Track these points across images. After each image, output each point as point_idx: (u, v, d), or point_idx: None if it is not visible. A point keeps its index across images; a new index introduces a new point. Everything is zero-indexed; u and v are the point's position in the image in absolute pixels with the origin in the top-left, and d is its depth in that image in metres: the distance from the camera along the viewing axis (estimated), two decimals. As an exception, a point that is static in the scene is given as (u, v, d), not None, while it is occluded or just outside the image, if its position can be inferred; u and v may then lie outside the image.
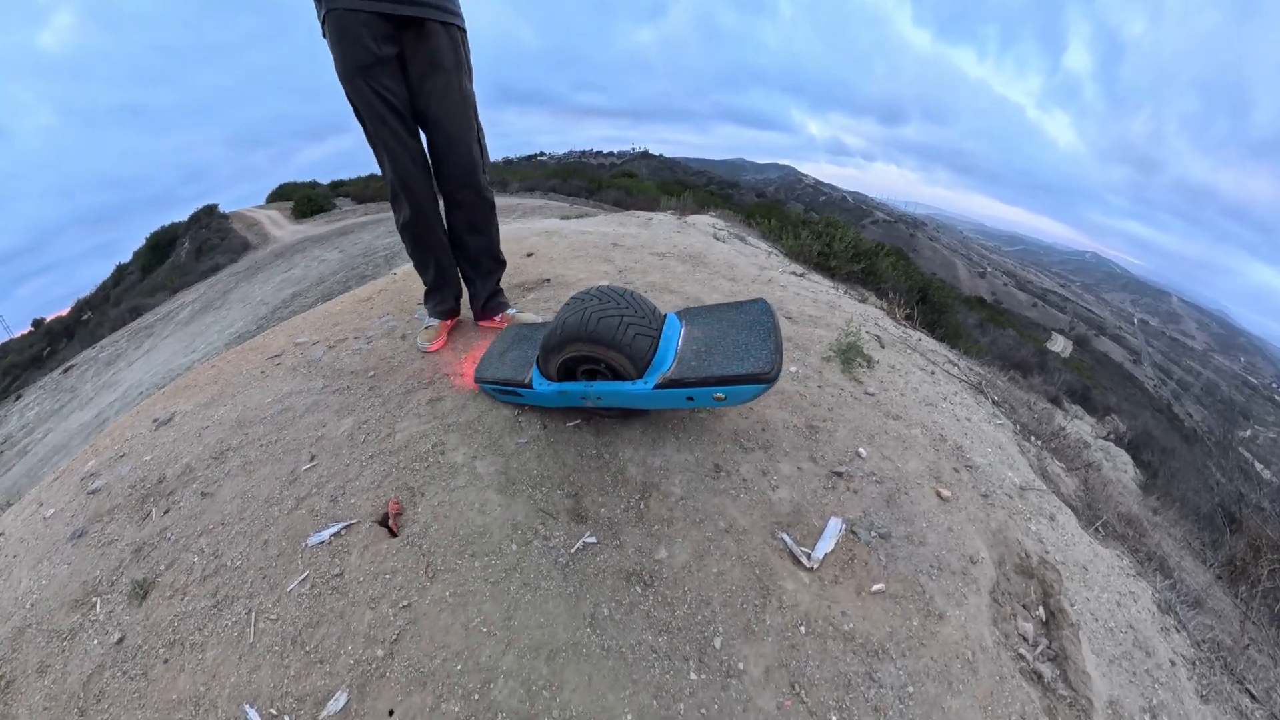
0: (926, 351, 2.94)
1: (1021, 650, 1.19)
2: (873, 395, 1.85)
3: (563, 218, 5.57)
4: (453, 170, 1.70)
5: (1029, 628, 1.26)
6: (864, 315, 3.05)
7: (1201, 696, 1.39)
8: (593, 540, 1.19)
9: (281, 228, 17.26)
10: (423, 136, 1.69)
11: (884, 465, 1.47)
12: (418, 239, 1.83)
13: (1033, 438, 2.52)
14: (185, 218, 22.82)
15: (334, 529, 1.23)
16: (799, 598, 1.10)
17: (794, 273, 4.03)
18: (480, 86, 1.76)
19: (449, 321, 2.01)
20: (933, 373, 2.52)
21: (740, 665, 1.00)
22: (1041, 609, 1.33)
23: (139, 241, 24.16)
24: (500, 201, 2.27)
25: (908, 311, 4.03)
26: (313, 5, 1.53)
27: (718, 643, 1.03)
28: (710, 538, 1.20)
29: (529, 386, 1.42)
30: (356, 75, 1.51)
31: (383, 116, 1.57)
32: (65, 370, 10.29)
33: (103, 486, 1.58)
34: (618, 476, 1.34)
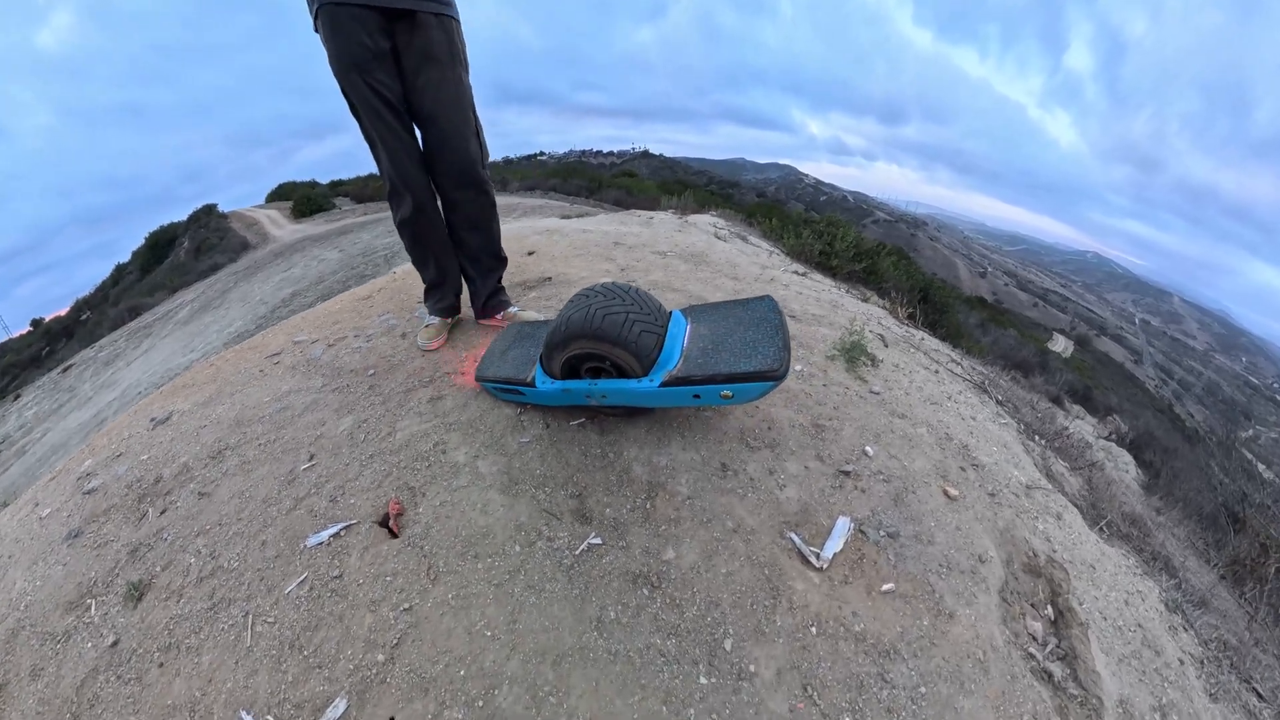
0: (930, 350, 2.93)
1: (1031, 649, 1.18)
2: (878, 394, 1.84)
3: (563, 217, 5.55)
4: (450, 165, 1.67)
5: (1038, 627, 1.25)
6: (867, 314, 3.03)
7: (1210, 695, 1.39)
8: (598, 541, 1.17)
9: (281, 227, 17.25)
10: (419, 133, 1.67)
11: (891, 464, 1.46)
12: (416, 236, 1.81)
13: (1036, 437, 2.50)
14: (184, 217, 22.80)
15: (333, 530, 1.21)
16: (809, 598, 1.08)
17: (796, 272, 4.01)
18: (480, 86, 1.73)
19: (449, 320, 1.99)
20: (936, 372, 2.50)
21: (751, 668, 0.98)
22: (1050, 608, 1.32)
23: (138, 241, 24.16)
24: (500, 201, 2.25)
25: (910, 311, 4.02)
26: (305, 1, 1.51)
27: (728, 645, 1.01)
28: (718, 538, 1.18)
29: (532, 385, 1.40)
30: (351, 70, 1.48)
31: (378, 111, 1.54)
32: (64, 370, 10.27)
33: (99, 486, 1.56)
34: (623, 476, 1.31)
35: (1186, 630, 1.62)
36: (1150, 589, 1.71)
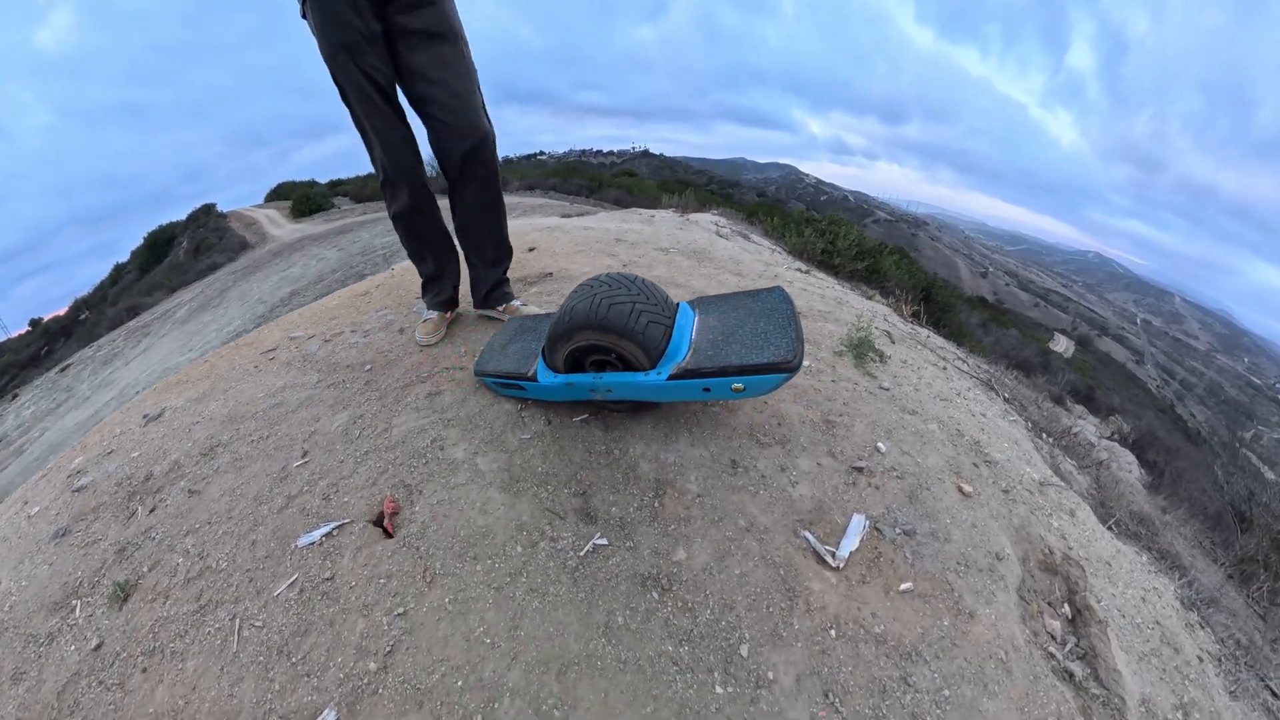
0: (936, 348, 2.89)
1: (1051, 649, 1.14)
2: (887, 390, 1.80)
3: (563, 216, 5.51)
4: (461, 143, 1.57)
5: (1056, 625, 1.22)
6: (872, 311, 2.99)
7: (1230, 694, 1.36)
8: (604, 542, 1.12)
9: (280, 227, 17.20)
10: (416, 119, 1.60)
11: (904, 460, 1.41)
12: (411, 229, 1.76)
13: (1044, 435, 2.47)
14: (183, 217, 22.75)
15: (325, 529, 1.16)
16: (827, 599, 1.04)
17: (799, 269, 3.98)
18: (480, 85, 1.66)
19: (448, 314, 1.94)
20: (944, 368, 2.47)
21: (770, 674, 0.93)
22: (1067, 606, 1.29)
23: (137, 241, 24.10)
24: (500, 200, 2.19)
25: (915, 309, 3.98)
26: None
27: (744, 650, 0.96)
28: (731, 537, 1.13)
29: (533, 379, 1.35)
30: (340, 53, 1.41)
31: (370, 98, 1.47)
32: (62, 369, 10.23)
33: (88, 484, 1.52)
34: (629, 474, 1.27)
35: (1203, 628, 1.60)
36: (1166, 586, 1.69)
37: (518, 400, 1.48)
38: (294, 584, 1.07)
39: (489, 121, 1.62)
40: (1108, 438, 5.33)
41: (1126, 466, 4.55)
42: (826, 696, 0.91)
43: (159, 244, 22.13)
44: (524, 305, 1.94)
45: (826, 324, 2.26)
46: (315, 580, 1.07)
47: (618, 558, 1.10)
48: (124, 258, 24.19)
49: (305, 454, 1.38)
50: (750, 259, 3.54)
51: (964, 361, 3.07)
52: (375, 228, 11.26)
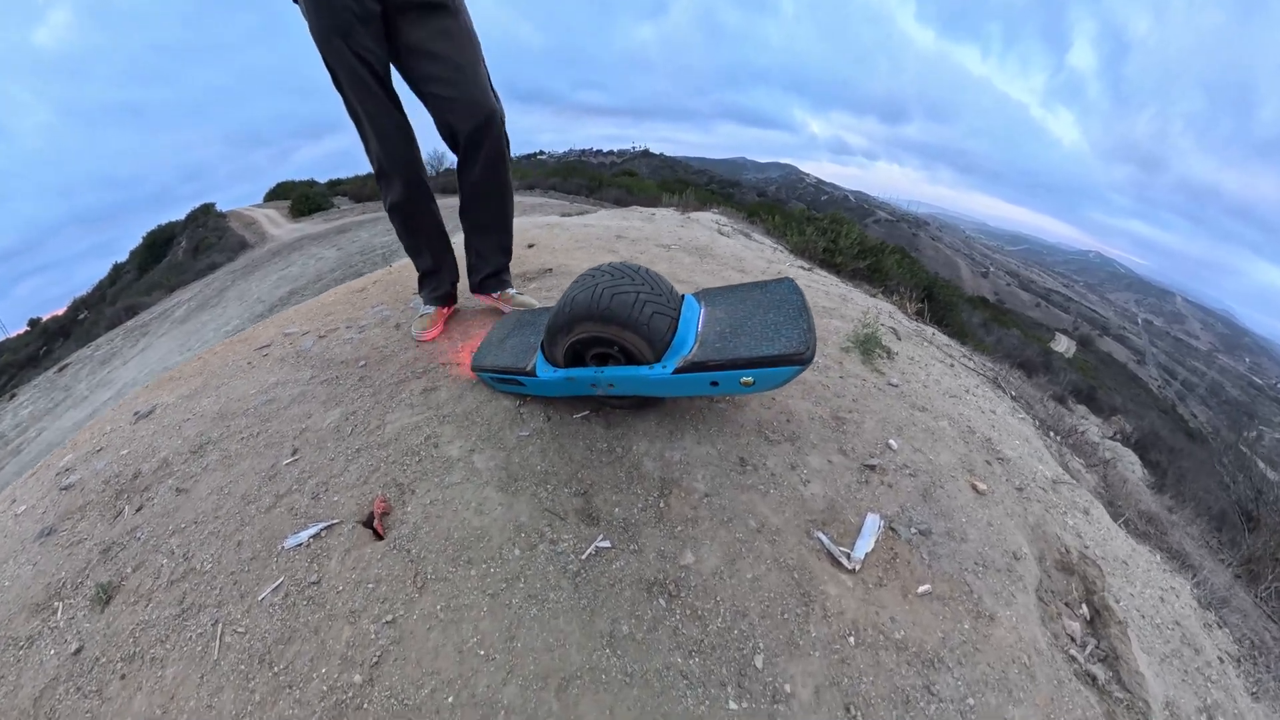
0: (942, 345, 2.85)
1: (1072, 651, 1.10)
2: (896, 386, 1.76)
3: (563, 214, 5.46)
4: (466, 116, 1.48)
5: (1076, 627, 1.18)
6: (877, 308, 2.95)
7: (1252, 695, 1.32)
8: (607, 544, 1.07)
9: (279, 226, 17.15)
10: (420, 101, 1.54)
11: (916, 458, 1.37)
12: (407, 221, 1.71)
13: (1052, 433, 2.43)
14: (182, 217, 22.72)
15: (313, 530, 1.11)
16: (844, 604, 0.99)
17: (801, 267, 3.94)
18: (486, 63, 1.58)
19: (446, 309, 1.89)
20: (951, 365, 2.43)
21: (787, 687, 0.87)
22: (1085, 606, 1.25)
23: (136, 241, 24.04)
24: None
25: (919, 307, 3.94)
26: None
27: (759, 661, 0.90)
28: (741, 539, 1.07)
29: (532, 374, 1.30)
30: (333, 34, 1.35)
31: (365, 82, 1.42)
32: (60, 369, 10.19)
33: (76, 482, 1.48)
34: (632, 472, 1.21)
35: (1220, 627, 1.57)
36: (1182, 585, 1.65)
37: (516, 396, 1.44)
38: (279, 588, 1.02)
39: (497, 98, 1.54)
40: (1110, 438, 5.29)
41: (1130, 466, 4.50)
42: (848, 710, 0.86)
43: (158, 244, 22.09)
44: (519, 294, 1.88)
45: (832, 320, 2.22)
46: (301, 584, 1.02)
47: (621, 561, 1.04)
48: (123, 257, 24.16)
49: (295, 451, 1.33)
50: (753, 256, 3.50)
51: (970, 359, 3.04)
52: (374, 227, 11.22)
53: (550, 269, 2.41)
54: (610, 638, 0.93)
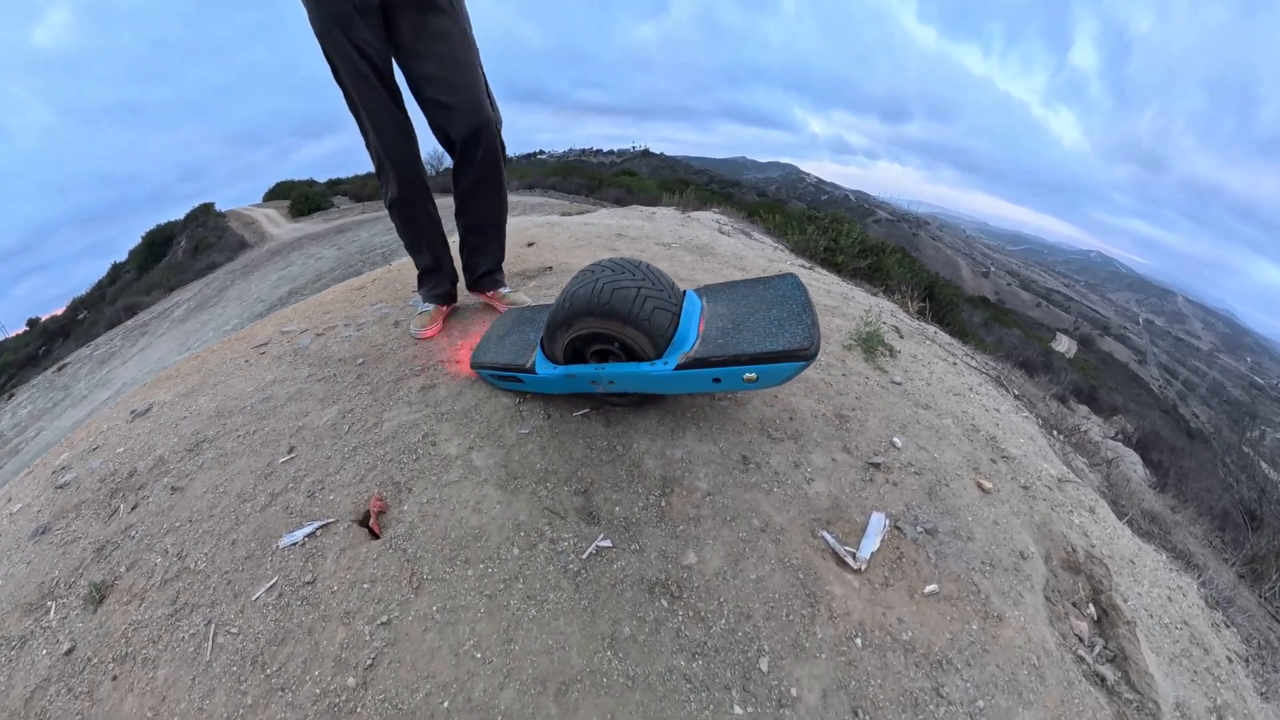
0: (944, 344, 2.84)
1: (1080, 652, 1.08)
2: (899, 384, 1.74)
3: (563, 214, 5.44)
4: (460, 121, 1.48)
5: (1083, 627, 1.16)
6: (879, 307, 2.94)
7: (1262, 695, 1.31)
8: (608, 544, 1.05)
9: (278, 226, 17.13)
10: (416, 100, 1.54)
11: (920, 456, 1.35)
12: (406, 217, 1.69)
13: (1055, 432, 2.41)
14: (182, 216, 22.69)
15: (309, 529, 1.09)
16: (850, 604, 0.97)
17: (802, 265, 3.93)
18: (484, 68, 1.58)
19: (445, 307, 1.88)
20: (954, 364, 2.41)
21: (793, 691, 0.85)
22: (1093, 606, 1.24)
23: (135, 240, 24.01)
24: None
25: (920, 305, 3.93)
26: None
27: (764, 664, 0.88)
28: (744, 538, 1.06)
29: (531, 371, 1.28)
30: (333, 27, 1.34)
31: (365, 76, 1.40)
32: (59, 369, 10.17)
33: (72, 480, 1.46)
34: (633, 470, 1.20)
35: (1228, 627, 1.55)
36: (1189, 584, 1.64)
37: (515, 394, 1.42)
38: (273, 587, 1.00)
39: (493, 103, 1.53)
40: (1112, 437, 5.27)
41: (1132, 466, 4.48)
42: (856, 714, 0.84)
43: (157, 243, 22.06)
44: (513, 292, 1.88)
45: (834, 318, 2.21)
46: (295, 584, 1.00)
47: (623, 561, 1.02)
48: (122, 257, 24.13)
49: (292, 449, 1.32)
50: (754, 255, 3.49)
51: (972, 358, 3.02)
52: (374, 227, 11.20)
53: (550, 267, 2.40)
54: (611, 640, 0.90)
